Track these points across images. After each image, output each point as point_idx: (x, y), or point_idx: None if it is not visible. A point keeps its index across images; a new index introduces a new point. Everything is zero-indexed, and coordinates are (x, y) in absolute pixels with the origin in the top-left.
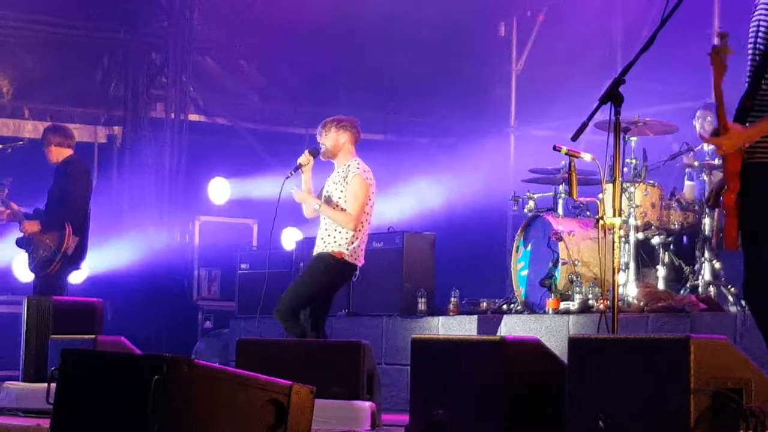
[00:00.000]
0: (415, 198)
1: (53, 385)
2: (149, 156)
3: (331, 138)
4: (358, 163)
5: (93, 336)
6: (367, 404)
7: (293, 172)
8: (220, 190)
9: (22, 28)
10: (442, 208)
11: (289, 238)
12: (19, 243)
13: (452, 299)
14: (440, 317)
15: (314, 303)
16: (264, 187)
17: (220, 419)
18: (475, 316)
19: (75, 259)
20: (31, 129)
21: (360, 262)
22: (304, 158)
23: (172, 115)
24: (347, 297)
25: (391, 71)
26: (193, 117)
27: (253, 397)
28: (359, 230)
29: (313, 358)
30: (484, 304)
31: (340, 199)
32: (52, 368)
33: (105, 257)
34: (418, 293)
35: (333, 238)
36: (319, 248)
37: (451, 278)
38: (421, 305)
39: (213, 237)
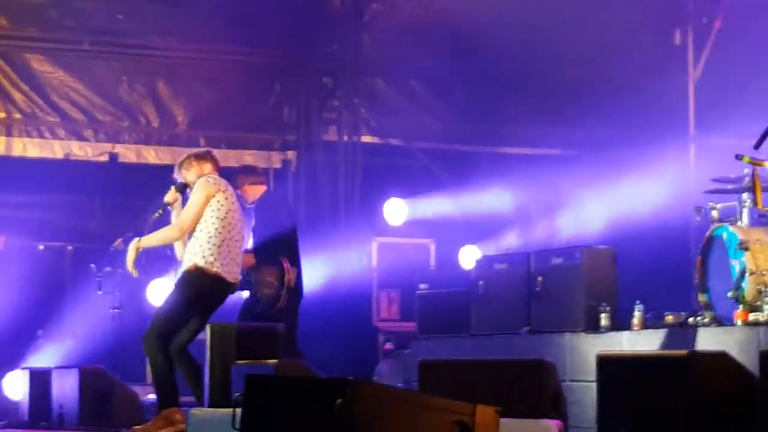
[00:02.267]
0: (593, 211)
1: (238, 410)
2: (324, 179)
3: (194, 172)
4: (206, 177)
5: (276, 360)
6: (554, 423)
7: (161, 212)
8: (396, 210)
9: (194, 58)
10: (621, 221)
11: (468, 257)
12: (241, 286)
13: (636, 313)
14: (624, 332)
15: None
16: (440, 206)
17: None
18: (661, 330)
19: (298, 290)
20: None
21: (230, 275)
22: (171, 196)
23: (345, 138)
24: (528, 314)
25: (562, 84)
26: (366, 139)
27: (437, 418)
28: (213, 236)
29: (496, 378)
30: (670, 317)
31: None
32: (237, 394)
33: None
34: (601, 308)
35: (190, 253)
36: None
37: (633, 291)
38: (604, 320)
39: (390, 258)
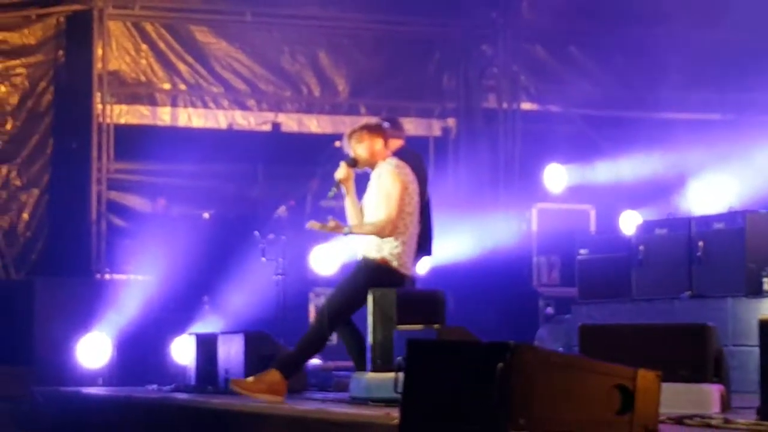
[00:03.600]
0: (754, 176)
1: (400, 374)
2: (484, 147)
3: (366, 146)
4: (391, 162)
5: (437, 325)
6: (716, 387)
7: (336, 190)
8: (556, 177)
9: (355, 27)
10: None
11: (628, 222)
12: None
13: None
14: None
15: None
16: (599, 172)
17: (565, 405)
18: None
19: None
20: None
21: (408, 270)
22: (342, 172)
23: (505, 105)
24: (689, 279)
25: (721, 48)
26: (526, 105)
27: (599, 382)
28: (403, 233)
29: (657, 342)
30: None
31: (377, 202)
32: (399, 358)
33: (446, 248)
34: (763, 272)
35: (376, 243)
36: (360, 253)
37: None
38: (766, 285)
39: (551, 224)
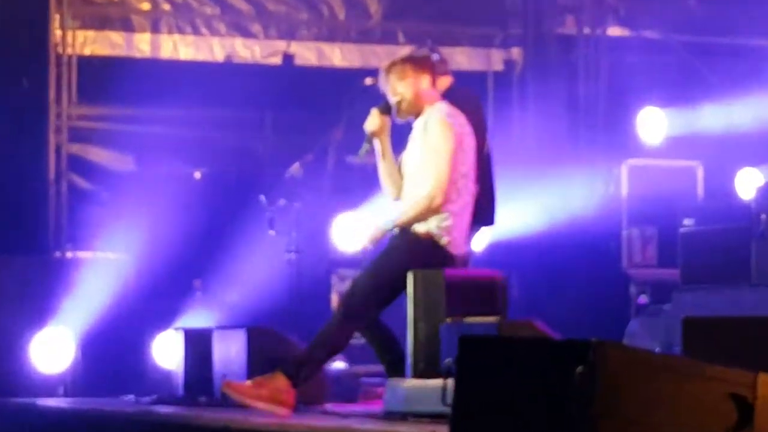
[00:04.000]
0: None
1: (450, 381)
2: (558, 84)
3: (409, 84)
4: (441, 108)
5: (497, 318)
6: None
7: (368, 146)
8: (653, 124)
9: None
10: None
11: (747, 183)
12: None
13: None
14: None
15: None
16: (710, 117)
17: (664, 418)
18: None
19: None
20: None
21: (462, 249)
22: (374, 122)
23: (587, 30)
24: None
25: None
26: (613, 31)
27: (706, 390)
28: (454, 201)
29: None
30: None
31: (421, 162)
32: (448, 360)
33: (509, 218)
34: None
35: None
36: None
37: None
38: None
39: (646, 186)
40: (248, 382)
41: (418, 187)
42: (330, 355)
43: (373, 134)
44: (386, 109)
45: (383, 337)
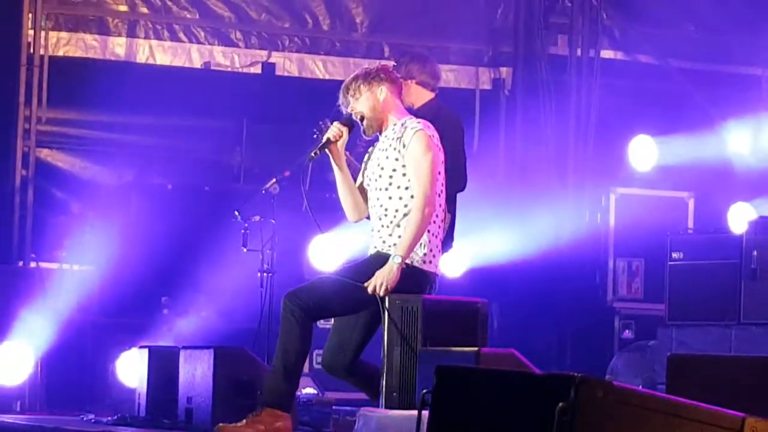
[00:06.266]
0: None
1: (425, 413)
2: (548, 106)
3: (364, 100)
4: (413, 121)
5: (476, 348)
6: None
7: (318, 152)
8: (643, 152)
9: None
10: None
11: (738, 217)
12: None
13: None
14: None
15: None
16: (703, 147)
17: None
18: None
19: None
20: None
21: (437, 269)
22: (335, 132)
23: (579, 52)
24: None
25: None
26: (607, 54)
27: None
28: (431, 221)
29: None
30: None
31: (398, 172)
32: (424, 391)
33: (491, 244)
34: None
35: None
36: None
37: None
38: None
39: (634, 216)
40: (242, 423)
41: (402, 201)
42: (298, 360)
43: (330, 142)
44: (348, 123)
45: (366, 374)
